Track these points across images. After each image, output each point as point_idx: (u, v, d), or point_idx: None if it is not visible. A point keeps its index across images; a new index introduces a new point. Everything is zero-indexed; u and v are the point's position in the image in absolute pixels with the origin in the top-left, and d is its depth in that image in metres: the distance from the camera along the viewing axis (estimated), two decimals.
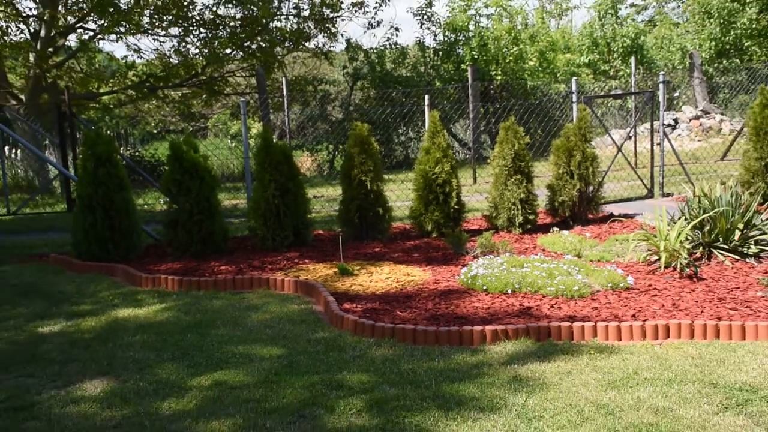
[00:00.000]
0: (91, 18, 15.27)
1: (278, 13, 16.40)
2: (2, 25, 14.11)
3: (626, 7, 25.89)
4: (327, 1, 16.71)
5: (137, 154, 19.35)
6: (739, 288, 5.37)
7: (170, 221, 7.42)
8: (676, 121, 18.42)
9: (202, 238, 7.34)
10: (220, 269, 6.78)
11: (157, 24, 15.99)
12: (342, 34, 17.53)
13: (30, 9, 14.94)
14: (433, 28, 20.42)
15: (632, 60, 15.84)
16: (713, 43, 21.62)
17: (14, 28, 14.87)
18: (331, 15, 16.82)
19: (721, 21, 21.47)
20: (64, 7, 14.87)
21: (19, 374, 4.47)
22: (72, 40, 16.35)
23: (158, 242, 8.07)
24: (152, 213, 10.13)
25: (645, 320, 4.70)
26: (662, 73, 11.00)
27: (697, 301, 5.11)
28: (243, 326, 5.18)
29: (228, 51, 16.23)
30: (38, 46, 15.06)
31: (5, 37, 14.48)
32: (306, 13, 16.68)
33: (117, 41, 17.03)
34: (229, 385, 4.09)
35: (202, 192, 7.32)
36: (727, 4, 21.53)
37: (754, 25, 21.48)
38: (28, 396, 4.11)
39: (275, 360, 4.46)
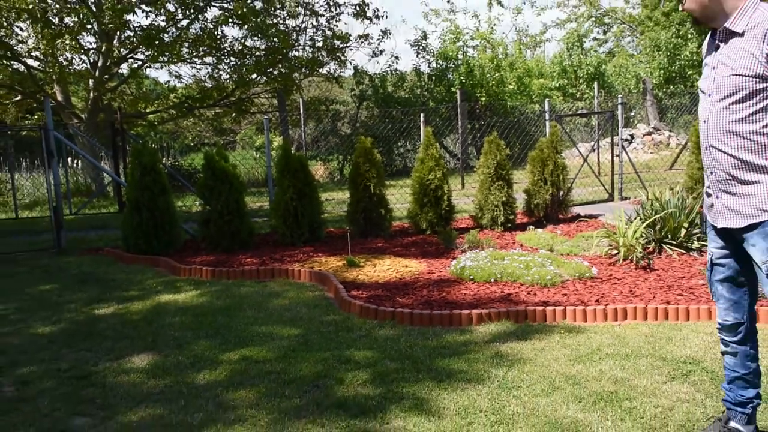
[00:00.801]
0: (140, 50, 15.33)
1: (296, 44, 16.44)
2: (68, 57, 14.23)
3: (590, 41, 25.94)
4: (338, 34, 16.73)
5: (177, 163, 19.33)
6: (684, 277, 5.36)
7: (204, 220, 7.43)
8: (632, 136, 18.40)
9: (231, 235, 7.34)
10: (246, 261, 6.78)
11: (194, 54, 16.03)
12: (350, 62, 17.61)
13: (90, 43, 15.04)
14: (427, 57, 20.46)
15: (595, 85, 15.85)
16: (662, 71, 21.70)
17: (77, 60, 15.02)
18: (341, 46, 16.84)
19: (668, 53, 21.58)
20: (118, 41, 14.93)
21: (79, 348, 4.48)
22: (124, 68, 16.44)
23: (194, 238, 8.07)
24: (189, 213, 10.14)
25: (607, 305, 4.69)
26: (620, 96, 10.99)
27: (650, 288, 5.10)
28: (266, 310, 5.18)
29: (254, 76, 16.26)
30: (96, 74, 15.12)
31: (70, 67, 14.61)
32: (320, 44, 16.72)
33: (161, 69, 17.08)
34: (254, 360, 4.09)
35: (231, 195, 7.33)
36: (672, 39, 21.68)
37: (695, 57, 21.62)
38: (87, 367, 4.11)
39: (293, 338, 4.46)
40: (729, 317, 2.81)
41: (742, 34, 2.54)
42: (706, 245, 6.19)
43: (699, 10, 2.62)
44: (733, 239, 2.72)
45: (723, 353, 2.90)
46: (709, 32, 2.72)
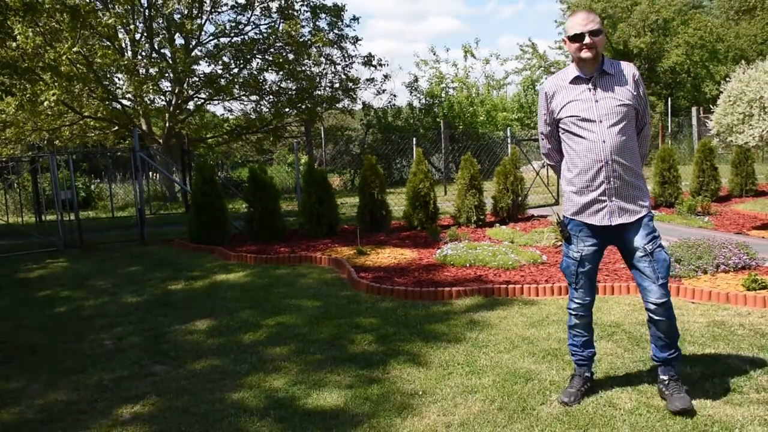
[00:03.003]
0: (203, 91, 15.40)
1: (319, 85, 16.41)
2: (151, 97, 14.51)
3: (540, 84, 25.86)
4: (350, 78, 16.71)
5: (229, 175, 19.34)
6: (610, 262, 5.33)
7: (249, 219, 7.41)
8: None
9: (269, 230, 7.32)
10: (280, 250, 6.77)
11: (243, 93, 16.05)
12: (360, 99, 17.48)
13: (167, 87, 15.12)
14: (418, 95, 20.40)
15: None
16: None
17: (157, 99, 15.21)
18: (353, 87, 16.78)
19: None
20: (187, 84, 15.00)
21: (157, 314, 4.49)
22: (190, 105, 16.40)
23: (241, 232, 8.04)
24: (237, 213, 10.12)
25: (554, 283, 4.69)
26: None
27: None
28: (295, 287, 5.18)
29: (287, 110, 16.24)
30: (170, 109, 15.19)
31: (152, 105, 14.92)
32: (337, 86, 16.68)
33: (218, 105, 17.10)
34: (286, 325, 4.09)
35: (269, 200, 7.31)
36: None
37: None
38: (163, 328, 4.13)
39: (315, 309, 4.46)
40: (588, 297, 2.77)
41: (613, 75, 2.61)
42: None
43: (600, 54, 2.59)
44: (609, 235, 2.67)
45: (575, 326, 2.82)
46: (568, 77, 2.64)
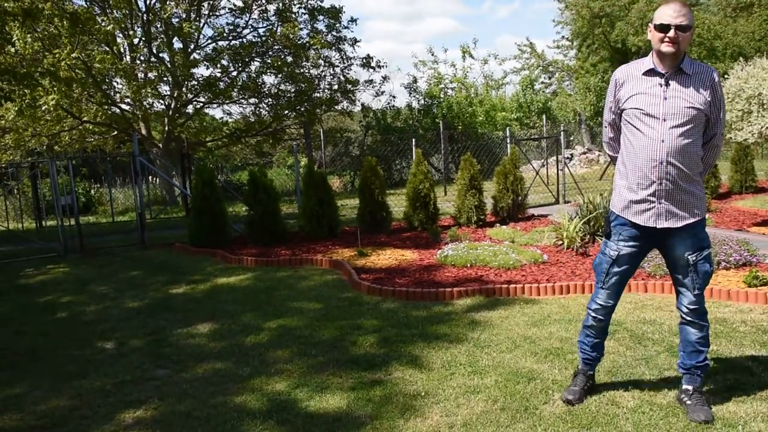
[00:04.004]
0: (202, 94, 15.41)
1: (318, 88, 16.41)
2: (150, 101, 14.54)
3: (538, 84, 25.80)
4: (349, 80, 16.72)
5: (229, 179, 19.33)
6: None
7: (249, 221, 7.40)
8: (571, 155, 18.34)
9: (269, 232, 7.31)
10: (281, 252, 6.76)
11: (241, 96, 16.07)
12: (359, 101, 17.47)
13: (165, 91, 15.12)
14: (417, 96, 20.43)
15: (543, 117, 15.80)
16: (592, 107, 21.70)
17: (156, 103, 15.24)
18: (351, 88, 16.79)
19: (596, 93, 21.59)
20: (186, 88, 15.01)
21: (159, 318, 4.48)
22: (189, 108, 16.39)
23: (241, 235, 8.04)
24: (238, 216, 10.11)
25: (555, 282, 4.68)
26: (562, 125, 10.94)
27: (586, 270, 5.09)
28: (296, 289, 5.18)
29: (286, 112, 16.24)
30: (170, 113, 15.20)
31: (151, 109, 14.94)
32: (336, 88, 16.68)
33: (217, 108, 17.11)
34: (288, 327, 4.08)
35: (269, 203, 7.31)
36: (599, 83, 21.70)
37: None
38: (165, 332, 4.12)
39: (317, 311, 4.45)
40: (611, 300, 2.72)
41: (690, 75, 2.49)
42: None
43: (682, 51, 2.47)
44: (653, 237, 2.58)
45: (590, 326, 2.77)
46: (642, 67, 2.55)
